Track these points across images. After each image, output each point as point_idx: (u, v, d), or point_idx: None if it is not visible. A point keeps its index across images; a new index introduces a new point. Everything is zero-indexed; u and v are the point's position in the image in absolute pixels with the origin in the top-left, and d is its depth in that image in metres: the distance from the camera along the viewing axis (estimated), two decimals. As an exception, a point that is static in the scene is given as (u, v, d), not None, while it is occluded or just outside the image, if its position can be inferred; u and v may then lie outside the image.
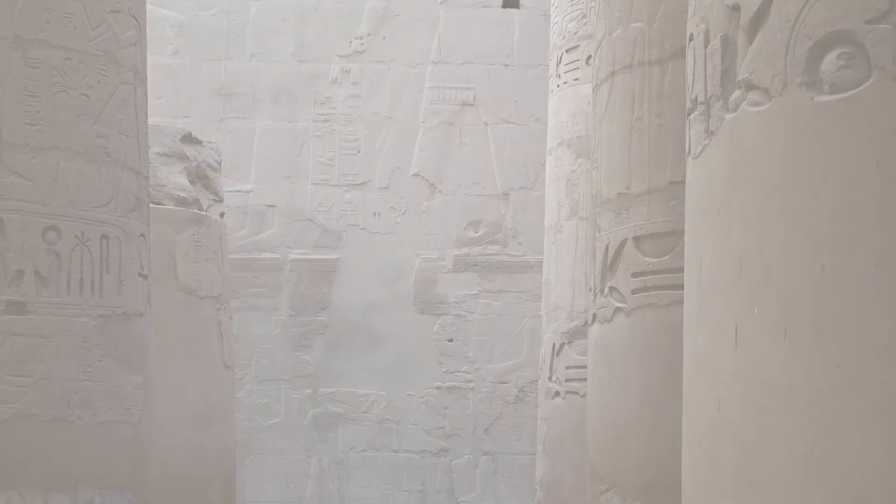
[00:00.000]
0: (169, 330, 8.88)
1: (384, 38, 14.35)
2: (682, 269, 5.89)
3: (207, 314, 9.38)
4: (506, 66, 14.40)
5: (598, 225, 6.30)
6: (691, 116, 3.27)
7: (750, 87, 2.91)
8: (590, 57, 9.49)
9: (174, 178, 9.89)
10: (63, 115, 5.78)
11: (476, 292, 14.15)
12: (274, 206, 14.15)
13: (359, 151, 14.27)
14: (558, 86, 10.23)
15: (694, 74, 3.24)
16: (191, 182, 10.01)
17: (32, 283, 5.63)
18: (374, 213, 14.22)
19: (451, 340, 14.13)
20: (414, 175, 14.28)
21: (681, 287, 5.92)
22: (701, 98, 3.16)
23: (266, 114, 14.28)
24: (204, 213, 9.78)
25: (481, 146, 14.33)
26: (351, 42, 14.35)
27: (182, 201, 9.78)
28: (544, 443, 9.97)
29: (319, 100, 14.31)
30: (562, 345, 9.76)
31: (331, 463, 13.94)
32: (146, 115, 6.43)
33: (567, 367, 9.63)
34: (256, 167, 14.20)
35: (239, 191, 14.06)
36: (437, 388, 14.06)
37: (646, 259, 6.02)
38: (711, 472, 3.01)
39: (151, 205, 9.26)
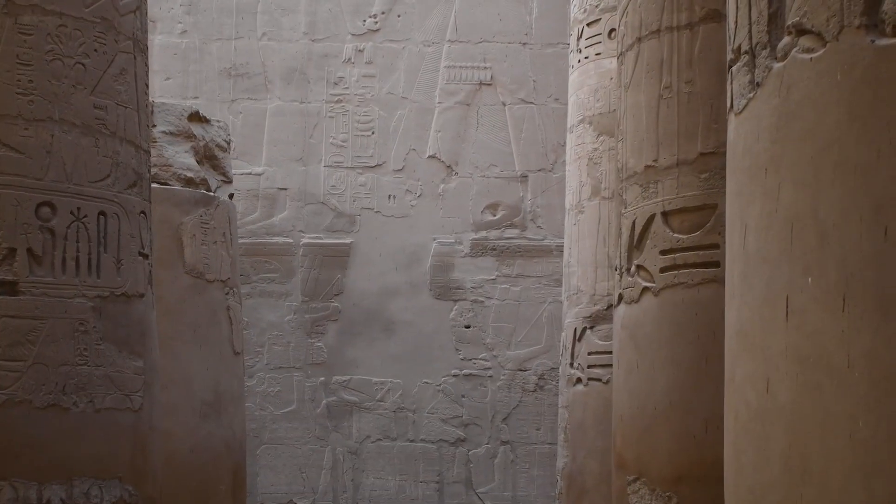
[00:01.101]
0: (175, 315, 8.81)
1: (399, 16, 14.27)
2: (714, 246, 5.72)
3: (216, 298, 9.19)
4: (524, 44, 14.28)
5: (624, 200, 6.05)
6: (734, 68, 3.03)
7: (801, 31, 2.70)
8: (612, 30, 9.31)
9: (181, 157, 9.69)
10: (58, 85, 5.53)
11: (494, 277, 14.08)
12: (286, 189, 14.09)
13: (373, 133, 14.20)
14: (579, 61, 10.04)
15: (736, 21, 3.00)
16: (198, 162, 9.82)
17: (25, 262, 5.40)
18: (389, 196, 14.15)
19: (468, 327, 14.04)
20: (430, 157, 14.19)
21: (713, 265, 5.73)
22: (745, 47, 2.92)
23: (277, 94, 14.20)
24: (212, 193, 9.57)
25: (499, 127, 14.22)
26: (364, 20, 14.26)
27: (189, 182, 9.58)
28: (565, 431, 9.86)
29: (332, 80, 14.23)
30: (583, 330, 9.63)
31: (345, 453, 13.91)
32: (147, 85, 6.17)
33: (589, 353, 9.53)
34: (268, 149, 14.12)
35: (250, 173, 14.01)
36: (454, 375, 13.99)
37: (675, 235, 5.80)
38: (758, 461, 2.77)
39: (156, 185, 9.24)
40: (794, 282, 2.65)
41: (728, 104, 3.07)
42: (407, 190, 14.17)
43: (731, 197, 3.01)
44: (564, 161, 12.88)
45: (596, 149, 9.75)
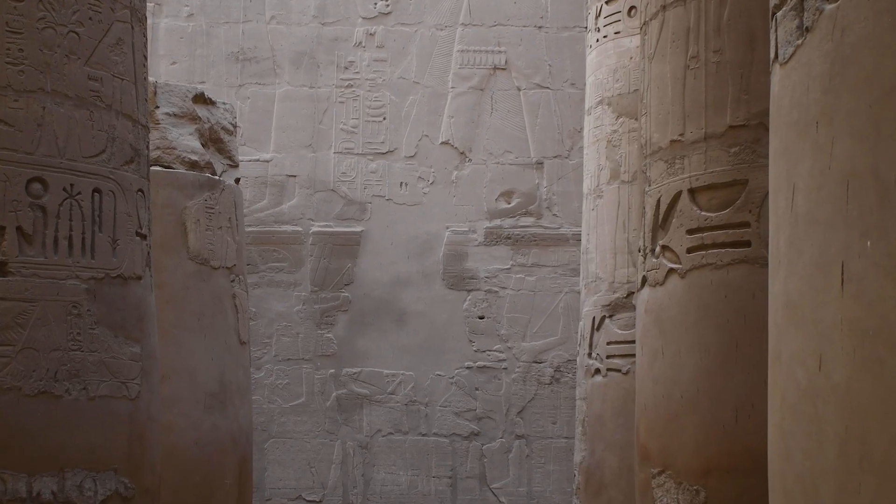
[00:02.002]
0: (179, 302, 8.74)
1: (411, -2, 14.18)
2: (744, 224, 5.47)
3: (221, 286, 9.07)
4: (539, 27, 14.18)
5: (648, 177, 5.82)
6: (778, 14, 2.79)
7: (858, -35, 2.44)
8: (632, 8, 9.14)
9: (185, 140, 9.55)
10: (49, 55, 5.33)
11: (508, 266, 14.01)
12: (295, 176, 14.03)
13: (384, 118, 14.13)
14: (597, 40, 9.91)
15: (782, -39, 2.72)
16: (203, 145, 9.70)
17: (15, 241, 5.20)
18: (401, 184, 14.09)
19: (482, 317, 13.97)
20: (442, 143, 14.11)
21: (743, 244, 5.49)
22: (792, -11, 2.65)
23: (286, 79, 14.12)
24: (217, 177, 9.40)
25: (514, 112, 14.13)
26: (376, 3, 14.18)
27: (193, 165, 9.46)
28: (583, 424, 9.75)
29: (343, 64, 14.16)
30: (602, 318, 9.52)
31: (355, 447, 13.83)
32: (145, 57, 5.96)
33: (608, 343, 9.42)
34: (276, 135, 14.05)
35: (258, 160, 13.96)
36: (468, 368, 13.90)
37: (703, 214, 5.59)
38: (809, 446, 2.52)
39: (160, 168, 9.19)
40: (850, 246, 2.44)
41: (772, 54, 2.84)
42: (419, 177, 14.10)
43: (777, 156, 2.77)
44: (581, 147, 13.02)
45: (615, 131, 9.63)
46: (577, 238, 12.72)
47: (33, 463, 5.17)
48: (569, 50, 14.03)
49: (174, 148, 9.39)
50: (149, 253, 5.87)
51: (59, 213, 5.32)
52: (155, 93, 9.45)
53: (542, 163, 14.09)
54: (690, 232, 5.60)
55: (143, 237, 5.80)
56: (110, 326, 5.48)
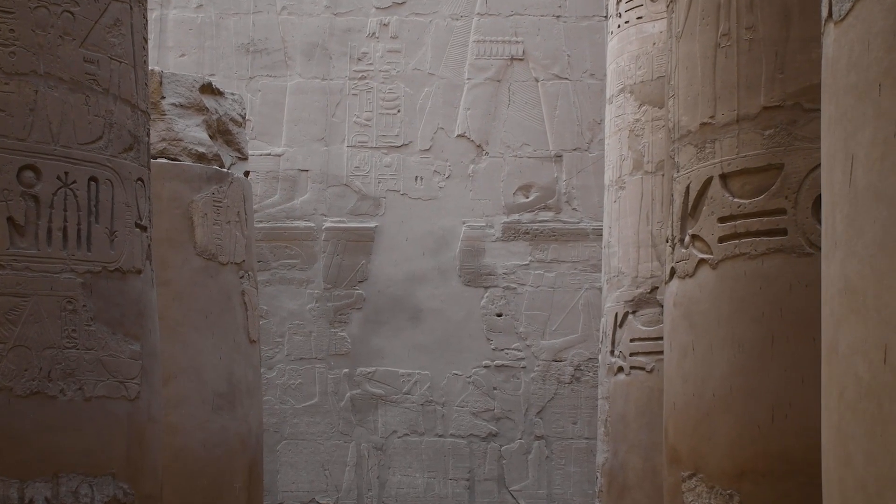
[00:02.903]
0: (185, 299, 8.70)
1: (425, -12, 14.13)
2: (780, 211, 5.20)
3: (230, 282, 9.01)
4: (557, 17, 14.10)
5: (677, 163, 5.57)
6: (832, -33, 2.49)
7: None
8: (655, -9, 8.95)
9: (192, 131, 9.43)
10: (42, 35, 5.12)
11: (527, 262, 13.91)
12: (307, 170, 13.95)
13: (399, 111, 14.07)
14: (619, 26, 9.85)
15: None
16: (211, 137, 9.60)
17: (5, 233, 4.99)
18: (416, 178, 14.02)
19: (500, 315, 13.87)
20: (459, 136, 14.02)
21: (779, 233, 5.22)
22: (850, -64, 2.40)
23: (298, 71, 14.05)
24: (225, 170, 9.22)
25: (531, 104, 14.04)
26: (389, -8, 14.28)
27: (201, 157, 9.37)
28: (606, 424, 9.69)
29: (356, 55, 14.09)
30: (625, 314, 9.46)
31: (370, 449, 13.74)
32: (145, 39, 5.75)
33: (631, 340, 9.38)
34: (288, 129, 13.97)
35: (269, 154, 13.90)
36: (486, 366, 13.81)
37: (735, 200, 5.36)
38: (873, 449, 2.27)
39: (165, 160, 9.04)
40: (920, 222, 2.16)
41: (825, 13, 2.57)
42: (435, 171, 14.00)
43: (831, 124, 2.51)
44: (601, 140, 13.14)
45: (638, 119, 9.54)
46: (598, 233, 12.78)
47: (25, 468, 4.96)
48: (588, 39, 13.96)
49: (180, 139, 9.29)
50: (149, 245, 5.68)
51: (53, 203, 5.12)
52: (161, 83, 9.34)
53: (560, 155, 13.99)
54: (722, 220, 5.38)
55: (143, 229, 5.61)
56: (108, 323, 5.28)
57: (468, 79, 14.03)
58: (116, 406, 5.27)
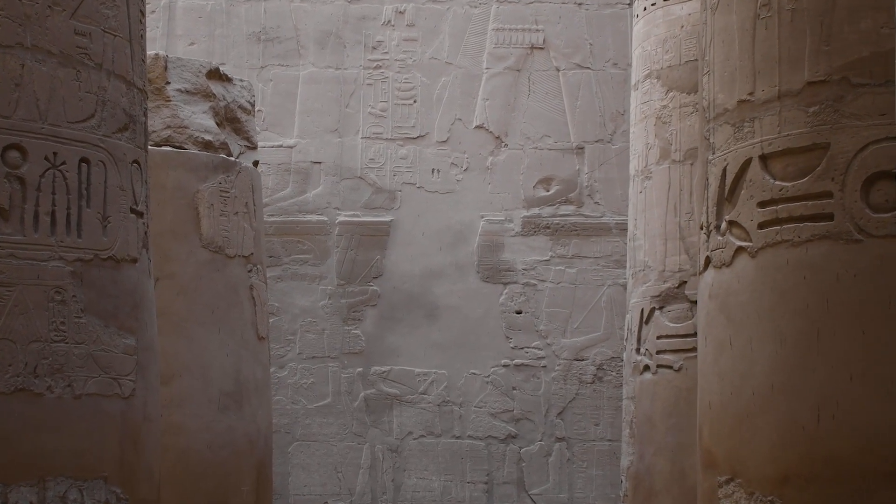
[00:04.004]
0: (191, 294, 8.70)
1: (443, -26, 14.12)
2: (826, 195, 4.88)
3: (237, 276, 8.98)
4: (579, 4, 13.97)
5: (712, 144, 5.29)
6: None
7: None
8: (683, -29, 8.82)
9: (198, 118, 9.31)
10: (30, 5, 4.95)
11: (547, 258, 13.79)
12: (320, 162, 13.87)
13: (415, 101, 13.96)
14: (645, 9, 9.92)
15: None
16: (218, 124, 9.54)
17: (-11, 217, 4.85)
18: (433, 170, 13.90)
19: (519, 312, 13.75)
20: (477, 127, 13.91)
21: (825, 217, 4.89)
22: None
23: (311, 60, 13.96)
24: (232, 158, 9.05)
25: (552, 94, 13.91)
26: (405, -21, 14.33)
27: (207, 145, 9.31)
28: (631, 426, 9.64)
29: (371, 44, 13.99)
30: (651, 310, 9.38)
31: (384, 451, 13.64)
32: (142, 13, 5.57)
33: (658, 337, 9.32)
34: (300, 120, 13.87)
35: (281, 146, 13.81)
36: (505, 366, 13.69)
37: (777, 183, 5.08)
38: None
39: (170, 148, 8.83)
40: None
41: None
42: (452, 163, 13.89)
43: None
44: (624, 131, 13.29)
45: (665, 106, 9.46)
46: (621, 227, 12.85)
47: (9, 471, 4.79)
48: (611, 27, 13.86)
49: (186, 127, 9.22)
50: (146, 233, 5.48)
51: (41, 186, 4.96)
52: (165, 67, 9.28)
53: (582, 147, 13.87)
54: (762, 204, 5.10)
55: (140, 215, 5.41)
56: (100, 315, 5.10)
57: (487, 68, 13.93)
58: (109, 404, 5.09)
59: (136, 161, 5.34)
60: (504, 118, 13.85)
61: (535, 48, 13.91)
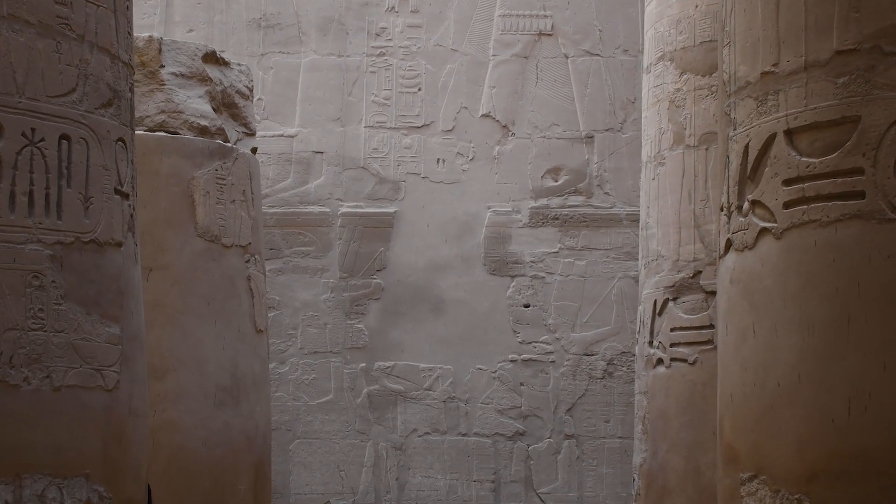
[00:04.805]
0: (186, 284, 8.64)
1: (448, -42, 14.18)
2: (856, 171, 4.62)
3: (234, 266, 8.90)
4: None
5: (733, 119, 5.05)
6: None
7: None
8: (697, -51, 8.68)
9: (193, 103, 9.21)
10: None
11: (556, 250, 13.77)
12: (322, 152, 13.86)
13: (419, 89, 13.94)
14: None
15: None
16: (215, 109, 9.48)
17: (-39, 197, 4.65)
18: (438, 160, 13.88)
19: (527, 306, 13.71)
20: (483, 116, 13.89)
21: (856, 196, 4.64)
22: None
23: (313, 47, 13.97)
24: (230, 144, 8.92)
25: (561, 82, 13.88)
26: (409, -36, 14.37)
27: (203, 131, 9.25)
28: (644, 422, 9.49)
29: (374, 31, 13.98)
30: (665, 301, 9.22)
31: (388, 448, 13.61)
32: None
33: (672, 329, 9.15)
34: (302, 108, 13.88)
35: (282, 135, 13.82)
36: (512, 361, 13.67)
37: (803, 159, 4.79)
38: None
39: (164, 133, 8.73)
40: None
41: None
42: (458, 153, 13.86)
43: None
44: (635, 119, 13.33)
45: (679, 89, 9.27)
46: (632, 218, 12.99)
47: None
48: (621, 13, 13.84)
49: (181, 112, 9.12)
50: (132, 216, 5.25)
51: (17, 164, 4.75)
52: (160, 50, 9.18)
53: (592, 136, 13.83)
54: (788, 182, 4.83)
55: (125, 196, 5.19)
56: (81, 302, 4.87)
57: (493, 55, 13.89)
58: (91, 397, 4.87)
59: (120, 139, 5.11)
60: (511, 106, 13.81)
61: (543, 34, 13.87)
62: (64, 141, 4.80)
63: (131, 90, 5.28)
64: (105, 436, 4.86)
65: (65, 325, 4.73)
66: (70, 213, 4.78)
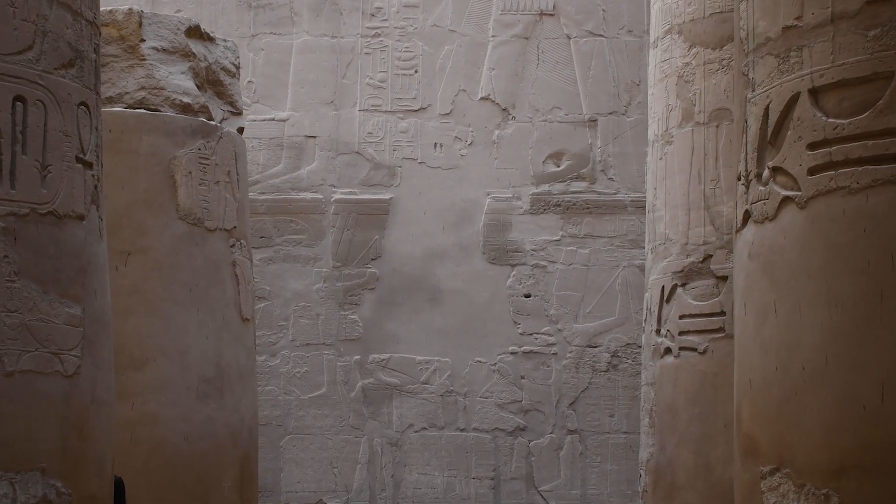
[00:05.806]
0: (166, 270, 8.51)
1: (445, -65, 14.04)
2: (890, 132, 4.22)
3: (218, 251, 8.74)
4: None
5: (751, 80, 4.75)
6: None
7: None
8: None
9: (175, 79, 9.03)
10: None
11: (558, 238, 13.63)
12: (315, 137, 13.74)
13: (416, 71, 13.83)
14: None
15: None
16: (198, 86, 9.32)
17: None
18: (435, 145, 13.74)
19: (528, 296, 13.58)
20: (482, 98, 13.76)
21: (889, 159, 4.25)
22: None
23: (305, 28, 13.85)
24: (213, 123, 8.71)
25: (563, 63, 13.74)
26: (406, -59, 14.08)
27: (186, 108, 9.09)
28: (651, 415, 9.31)
29: (369, 10, 13.88)
30: (673, 287, 9.05)
31: (383, 444, 13.53)
32: None
33: (681, 317, 8.99)
34: (294, 91, 13.78)
35: (273, 119, 13.74)
36: (512, 353, 13.55)
37: (831, 121, 4.48)
38: None
39: (144, 110, 8.43)
40: None
41: None
42: (456, 137, 13.72)
43: None
44: (640, 102, 13.23)
45: (688, 63, 9.04)
46: (637, 205, 12.97)
47: None
48: None
49: (162, 88, 8.97)
50: (96, 186, 4.91)
51: None
52: (140, 23, 9.05)
53: (595, 120, 13.70)
54: (813, 146, 4.52)
55: (89, 165, 4.89)
56: (38, 279, 4.57)
57: (493, 36, 13.77)
58: (48, 384, 4.57)
59: (83, 103, 4.78)
60: (511, 89, 13.67)
61: (545, 14, 13.74)
62: (18, 102, 4.52)
63: (96, 51, 4.96)
64: (64, 426, 4.57)
65: (18, 305, 4.44)
66: (25, 182, 4.48)
